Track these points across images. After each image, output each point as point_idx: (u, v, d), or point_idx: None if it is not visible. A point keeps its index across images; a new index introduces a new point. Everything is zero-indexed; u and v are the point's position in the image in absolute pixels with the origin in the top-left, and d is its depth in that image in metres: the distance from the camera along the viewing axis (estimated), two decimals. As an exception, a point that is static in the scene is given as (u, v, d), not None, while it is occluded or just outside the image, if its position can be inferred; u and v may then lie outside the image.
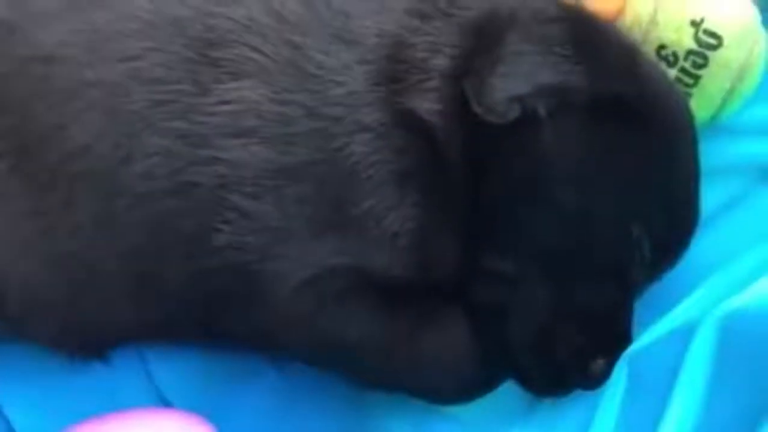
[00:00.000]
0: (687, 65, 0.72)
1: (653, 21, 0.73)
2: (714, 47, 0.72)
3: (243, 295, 0.62)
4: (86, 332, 0.66)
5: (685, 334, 0.59)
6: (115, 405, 0.65)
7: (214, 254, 0.61)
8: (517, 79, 0.59)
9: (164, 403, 0.68)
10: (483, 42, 0.61)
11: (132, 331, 0.66)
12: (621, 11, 0.76)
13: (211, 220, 0.60)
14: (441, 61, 0.62)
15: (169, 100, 0.60)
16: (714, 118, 0.74)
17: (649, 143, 0.62)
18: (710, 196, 0.67)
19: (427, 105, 0.60)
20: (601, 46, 0.62)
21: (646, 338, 0.61)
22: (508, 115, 0.59)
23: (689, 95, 0.72)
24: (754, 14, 0.74)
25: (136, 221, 0.61)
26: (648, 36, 0.73)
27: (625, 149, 0.61)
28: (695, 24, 0.72)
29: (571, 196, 0.60)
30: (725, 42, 0.72)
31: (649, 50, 0.73)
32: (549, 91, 0.59)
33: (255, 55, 0.61)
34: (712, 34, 0.72)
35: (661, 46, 0.73)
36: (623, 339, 0.62)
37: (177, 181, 0.60)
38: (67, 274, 0.63)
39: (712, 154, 0.67)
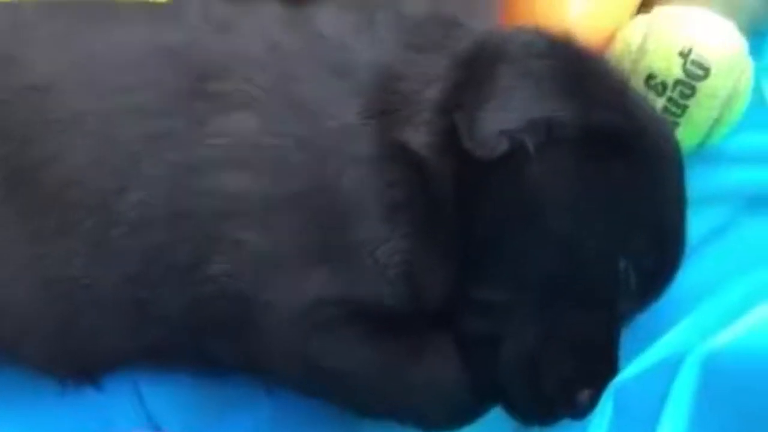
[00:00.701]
0: (675, 95, 0.73)
1: (643, 49, 0.74)
2: (701, 78, 0.73)
3: (236, 323, 0.62)
4: (79, 357, 0.66)
5: (671, 367, 0.60)
6: (107, 429, 0.66)
7: (208, 283, 0.62)
8: (506, 114, 0.60)
9: (156, 427, 0.68)
10: (473, 75, 0.62)
11: (125, 355, 0.67)
12: (611, 38, 0.78)
13: (204, 250, 0.61)
14: (433, 94, 0.62)
15: (164, 132, 0.61)
16: (701, 145, 0.75)
17: (636, 177, 0.62)
18: (696, 225, 0.67)
19: (418, 138, 0.61)
20: (590, 81, 0.63)
21: (632, 370, 0.62)
22: (498, 150, 0.59)
23: (677, 124, 0.73)
24: (741, 43, 0.75)
25: (130, 249, 0.62)
26: (637, 65, 0.74)
27: (613, 183, 0.62)
28: (683, 55, 0.73)
29: (560, 229, 0.61)
30: (713, 72, 0.73)
31: (638, 79, 0.74)
32: (538, 126, 0.60)
33: (249, 87, 0.62)
34: (700, 65, 0.73)
35: (650, 76, 0.74)
36: (610, 369, 0.63)
37: (171, 211, 0.61)
38: (61, 299, 0.64)
39: (698, 181, 0.68)
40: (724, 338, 0.58)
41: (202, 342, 0.64)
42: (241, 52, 0.63)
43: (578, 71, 0.62)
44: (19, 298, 0.64)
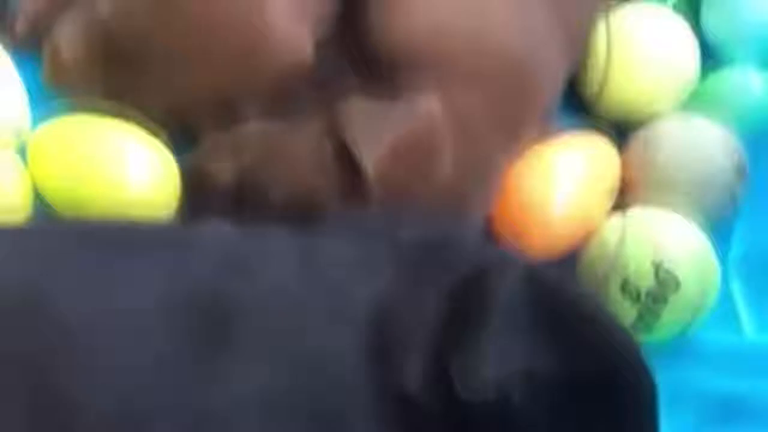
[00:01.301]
0: (648, 302, 0.79)
1: (618, 254, 0.80)
2: (673, 288, 0.78)
3: None
4: None
5: None
6: None
7: None
8: (493, 364, 0.65)
9: None
10: (463, 318, 0.67)
11: None
12: (589, 235, 0.84)
13: None
14: (424, 334, 0.68)
15: (180, 382, 0.66)
16: (671, 345, 0.81)
17: (612, 411, 0.68)
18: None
19: (413, 383, 0.67)
20: (568, 327, 0.68)
21: None
22: (486, 398, 0.65)
23: (650, 328, 0.79)
24: (709, 248, 0.81)
25: None
26: (613, 269, 0.80)
27: (591, 421, 0.67)
28: (656, 265, 0.79)
29: None
30: (683, 283, 0.78)
31: (615, 283, 0.79)
32: (521, 377, 0.65)
33: (259, 334, 0.67)
34: (672, 276, 0.78)
35: (625, 282, 0.79)
36: None
37: None
38: None
39: (667, 387, 0.69)
40: None
41: None
42: (252, 297, 0.68)
43: (558, 318, 0.67)
44: None
